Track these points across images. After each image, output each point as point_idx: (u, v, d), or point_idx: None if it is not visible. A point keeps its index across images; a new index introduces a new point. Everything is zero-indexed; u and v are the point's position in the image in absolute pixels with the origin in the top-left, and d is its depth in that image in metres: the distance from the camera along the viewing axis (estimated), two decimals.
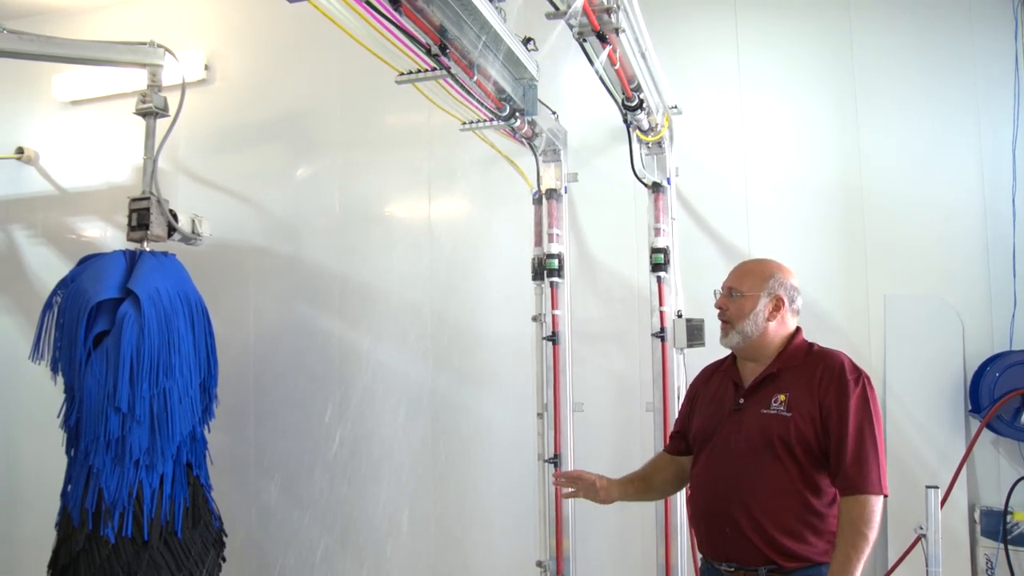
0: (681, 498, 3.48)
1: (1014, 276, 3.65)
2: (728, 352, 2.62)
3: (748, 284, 2.47)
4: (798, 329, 2.51)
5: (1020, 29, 3.71)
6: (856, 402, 2.28)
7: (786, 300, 2.47)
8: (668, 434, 3.43)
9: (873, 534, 2.19)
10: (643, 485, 2.80)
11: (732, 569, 2.36)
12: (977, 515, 3.58)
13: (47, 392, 3.88)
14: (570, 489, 2.76)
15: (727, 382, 2.54)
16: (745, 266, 2.57)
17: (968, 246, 3.74)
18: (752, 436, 2.36)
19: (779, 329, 2.47)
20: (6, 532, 4.97)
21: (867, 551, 2.18)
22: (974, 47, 3.78)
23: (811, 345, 2.48)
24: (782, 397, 2.36)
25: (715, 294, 2.56)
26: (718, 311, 2.51)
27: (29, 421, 4.93)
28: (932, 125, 3.81)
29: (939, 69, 3.83)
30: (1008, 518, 3.49)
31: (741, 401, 2.45)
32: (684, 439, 2.69)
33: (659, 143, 3.66)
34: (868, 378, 2.35)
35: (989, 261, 3.71)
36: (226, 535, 3.97)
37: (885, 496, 2.23)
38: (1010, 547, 3.47)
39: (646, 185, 3.62)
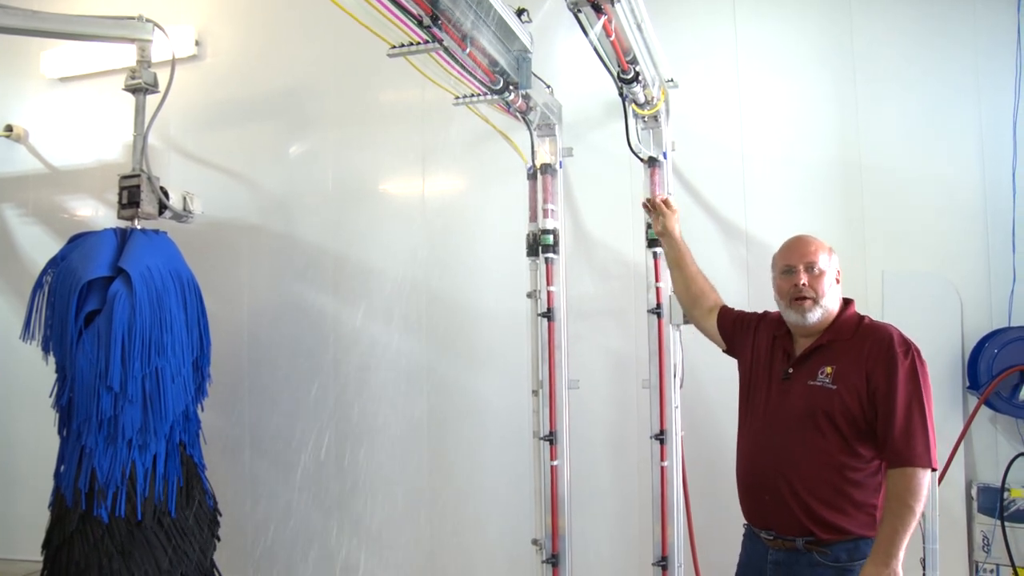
0: (677, 478, 3.48)
1: (1013, 252, 3.63)
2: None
3: (823, 259, 2.51)
4: (850, 301, 2.55)
5: (1022, 2, 3.66)
6: (905, 375, 2.29)
7: (840, 273, 2.56)
8: (664, 409, 3.47)
9: (920, 507, 2.19)
10: (681, 257, 3.07)
11: (771, 537, 2.42)
12: (974, 492, 3.58)
13: (40, 371, 3.85)
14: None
15: (779, 350, 2.58)
16: (811, 242, 2.55)
17: (967, 222, 3.71)
18: (796, 407, 2.41)
19: (837, 302, 2.53)
20: (1, 512, 4.95)
21: (914, 524, 2.19)
22: (975, 20, 3.73)
23: (862, 318, 2.51)
24: (828, 369, 2.40)
25: (787, 272, 2.53)
26: (796, 288, 2.47)
27: (22, 401, 4.91)
28: (932, 99, 3.77)
29: (940, 42, 3.78)
30: (1005, 495, 3.49)
31: (790, 371, 2.49)
32: (727, 317, 2.86)
33: (655, 117, 3.62)
34: (918, 351, 2.35)
35: (988, 237, 3.68)
36: (220, 514, 3.95)
37: (934, 470, 2.24)
38: (1007, 524, 3.47)
39: (642, 160, 3.58)
